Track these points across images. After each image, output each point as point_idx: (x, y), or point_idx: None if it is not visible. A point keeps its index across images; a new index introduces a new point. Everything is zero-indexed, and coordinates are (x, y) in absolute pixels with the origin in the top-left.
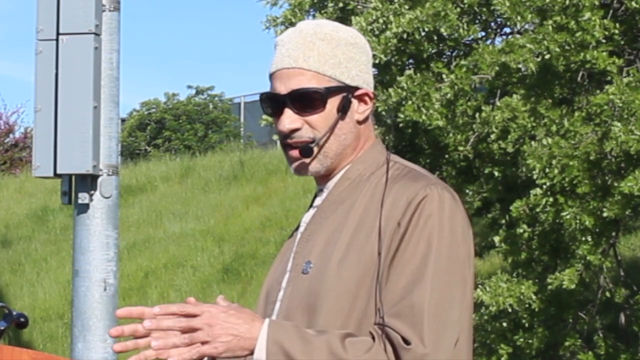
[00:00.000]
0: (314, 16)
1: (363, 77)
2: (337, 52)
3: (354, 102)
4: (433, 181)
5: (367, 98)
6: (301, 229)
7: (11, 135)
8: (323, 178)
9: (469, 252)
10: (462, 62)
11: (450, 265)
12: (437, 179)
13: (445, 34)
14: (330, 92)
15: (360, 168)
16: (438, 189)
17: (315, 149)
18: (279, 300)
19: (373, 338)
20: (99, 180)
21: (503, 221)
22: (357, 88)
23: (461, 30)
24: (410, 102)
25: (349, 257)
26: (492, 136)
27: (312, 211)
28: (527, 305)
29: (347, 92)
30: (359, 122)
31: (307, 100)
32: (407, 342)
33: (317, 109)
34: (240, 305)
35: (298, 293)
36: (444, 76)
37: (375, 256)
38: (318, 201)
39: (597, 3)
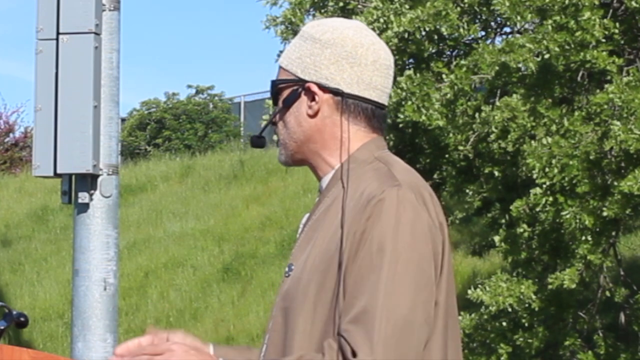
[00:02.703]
0: (314, 15)
1: (322, 73)
2: (302, 47)
3: (304, 96)
4: (398, 182)
5: (313, 92)
6: (299, 230)
7: (11, 135)
8: (317, 175)
9: (436, 251)
10: (462, 61)
11: (409, 267)
12: (409, 179)
13: (445, 33)
14: (281, 85)
15: (346, 168)
16: (399, 190)
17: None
18: (275, 304)
19: (324, 354)
20: (99, 179)
21: (503, 221)
22: (308, 82)
23: (461, 30)
24: (409, 103)
25: (314, 260)
26: (492, 136)
27: (309, 212)
28: (526, 305)
29: (298, 86)
30: (310, 116)
31: (272, 94)
32: (354, 353)
33: (275, 101)
34: (199, 348)
35: (280, 296)
36: (444, 76)
37: (335, 261)
38: (316, 201)
39: (597, 2)
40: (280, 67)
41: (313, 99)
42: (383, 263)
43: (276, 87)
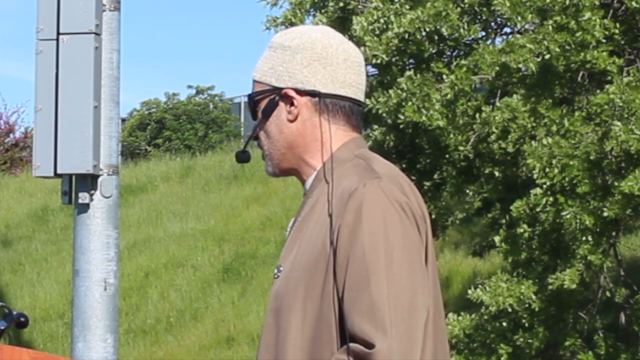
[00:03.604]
0: (314, 16)
1: (296, 78)
2: (273, 57)
3: (282, 103)
4: (377, 175)
5: (291, 97)
6: (287, 232)
7: (11, 135)
8: (302, 179)
9: (422, 239)
10: (463, 62)
11: (404, 254)
12: (389, 172)
13: (445, 34)
14: (257, 97)
15: (329, 167)
16: (380, 182)
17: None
18: (268, 304)
19: None
20: (99, 180)
21: (503, 221)
22: (284, 89)
23: (462, 30)
24: (410, 104)
25: (301, 259)
26: (493, 136)
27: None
28: (527, 305)
29: (275, 94)
30: (291, 121)
31: (251, 108)
32: (371, 345)
33: (255, 115)
34: None
35: (271, 297)
36: (444, 76)
37: (321, 257)
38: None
39: (597, 3)
40: (255, 81)
41: (292, 104)
42: (379, 253)
43: (253, 101)
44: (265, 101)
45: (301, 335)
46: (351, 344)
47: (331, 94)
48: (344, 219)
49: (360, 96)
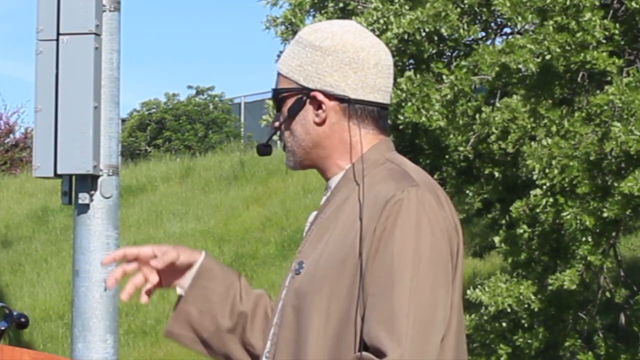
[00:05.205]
0: (314, 16)
1: (326, 80)
2: (302, 55)
3: (309, 105)
4: (415, 182)
5: (319, 101)
6: (306, 228)
7: (11, 136)
8: (325, 176)
9: (452, 252)
10: (462, 62)
11: (431, 266)
12: (425, 179)
13: (445, 34)
14: (284, 93)
15: (359, 168)
16: (418, 190)
17: (277, 147)
18: (281, 299)
19: None
20: (99, 180)
21: (503, 221)
22: (312, 90)
23: (461, 31)
24: (410, 104)
25: (327, 257)
26: (492, 137)
27: (316, 211)
28: (526, 306)
29: (303, 95)
30: (318, 124)
31: (275, 101)
32: (382, 354)
33: (279, 109)
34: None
35: (291, 293)
36: (444, 77)
37: (350, 257)
38: (322, 200)
39: (597, 3)
40: (280, 74)
41: (319, 107)
42: (406, 263)
43: (279, 96)
44: (292, 99)
45: (324, 335)
46: (363, 353)
47: (360, 100)
48: (379, 224)
49: (387, 99)
